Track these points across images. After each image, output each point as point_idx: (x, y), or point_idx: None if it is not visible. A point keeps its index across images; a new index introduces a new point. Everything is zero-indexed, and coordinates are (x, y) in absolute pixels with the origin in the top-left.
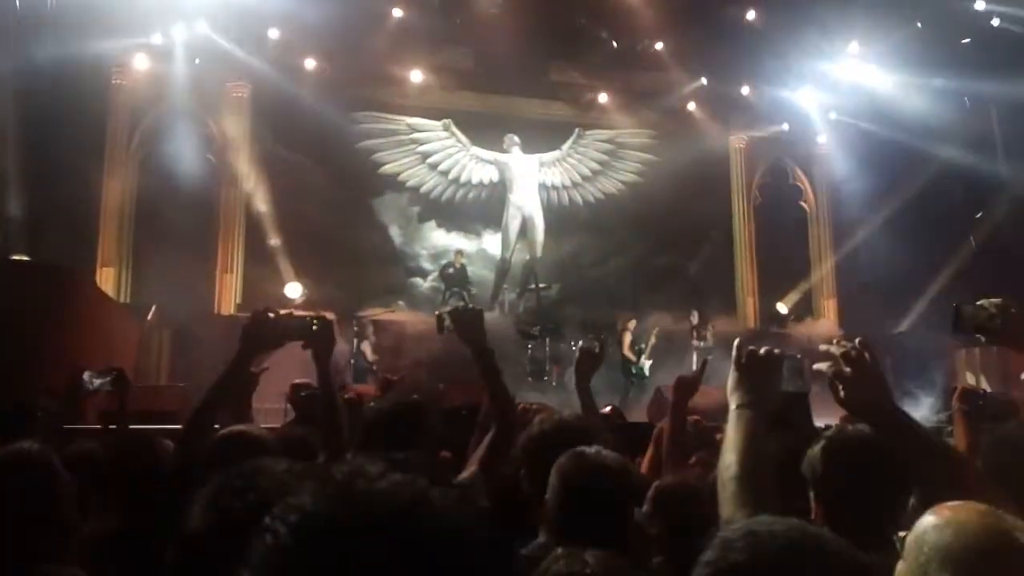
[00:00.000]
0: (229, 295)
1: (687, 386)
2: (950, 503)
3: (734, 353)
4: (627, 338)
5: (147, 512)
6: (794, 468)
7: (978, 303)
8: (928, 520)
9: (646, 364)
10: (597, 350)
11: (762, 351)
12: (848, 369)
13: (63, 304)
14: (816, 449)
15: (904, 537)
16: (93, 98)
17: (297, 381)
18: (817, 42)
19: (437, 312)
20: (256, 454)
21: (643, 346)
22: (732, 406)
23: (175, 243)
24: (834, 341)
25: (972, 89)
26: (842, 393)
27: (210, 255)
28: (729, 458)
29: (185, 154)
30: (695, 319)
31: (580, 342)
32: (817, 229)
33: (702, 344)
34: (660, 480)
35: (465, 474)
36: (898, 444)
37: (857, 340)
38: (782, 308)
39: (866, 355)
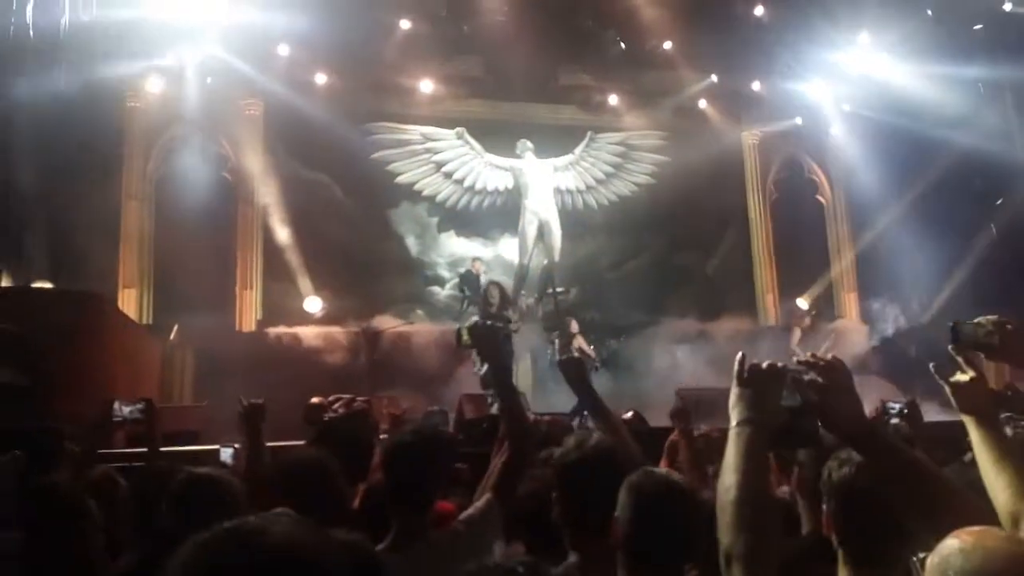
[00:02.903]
0: (250, 312)
1: (683, 416)
2: (972, 528)
3: (735, 368)
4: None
5: (167, 547)
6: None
7: (975, 320)
8: (953, 544)
9: None
10: (576, 353)
11: (764, 365)
12: (822, 380)
13: (86, 329)
14: (836, 465)
15: (924, 558)
16: (108, 121)
17: (314, 400)
18: (827, 33)
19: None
20: (222, 498)
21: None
22: (732, 423)
23: (194, 262)
24: (808, 354)
25: (986, 76)
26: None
27: (229, 272)
28: (729, 480)
29: (201, 173)
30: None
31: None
32: (835, 222)
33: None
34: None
35: (480, 503)
36: (875, 463)
37: (830, 355)
38: (803, 304)
39: (840, 370)
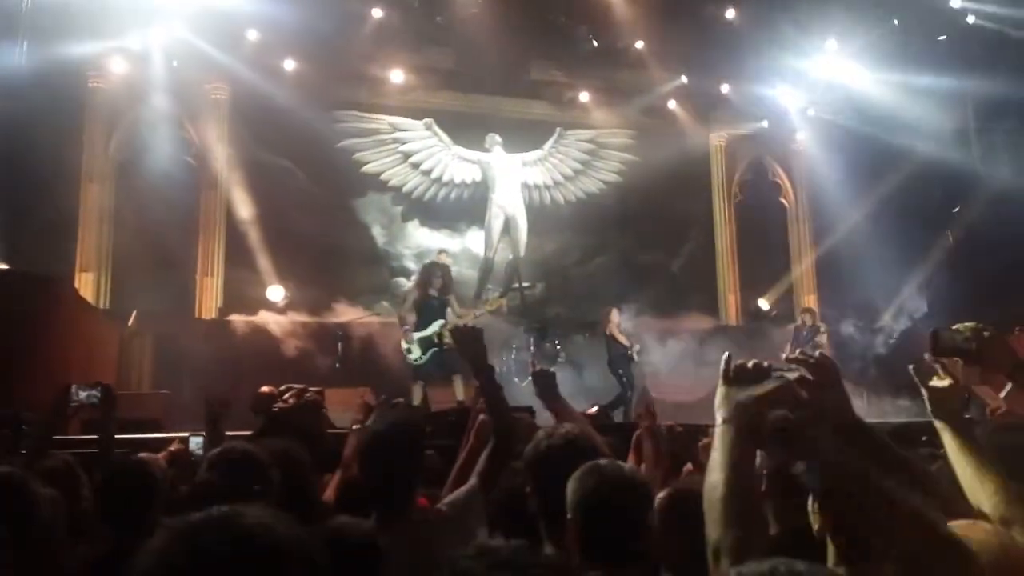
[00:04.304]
0: (210, 299)
1: (649, 415)
2: (960, 522)
3: (722, 366)
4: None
5: (139, 535)
6: (787, 483)
7: (954, 327)
8: None
9: None
10: (551, 366)
11: (750, 364)
12: (812, 379)
13: (43, 312)
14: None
15: None
16: (70, 102)
17: (264, 390)
18: (795, 39)
19: (438, 328)
20: (252, 469)
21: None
22: (718, 421)
23: (155, 247)
24: (797, 352)
25: (948, 85)
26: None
27: (190, 259)
28: (715, 477)
29: (164, 157)
30: (615, 318)
31: (535, 367)
32: (797, 225)
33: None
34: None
35: (464, 488)
36: (860, 452)
37: (818, 352)
38: (763, 304)
39: (829, 367)
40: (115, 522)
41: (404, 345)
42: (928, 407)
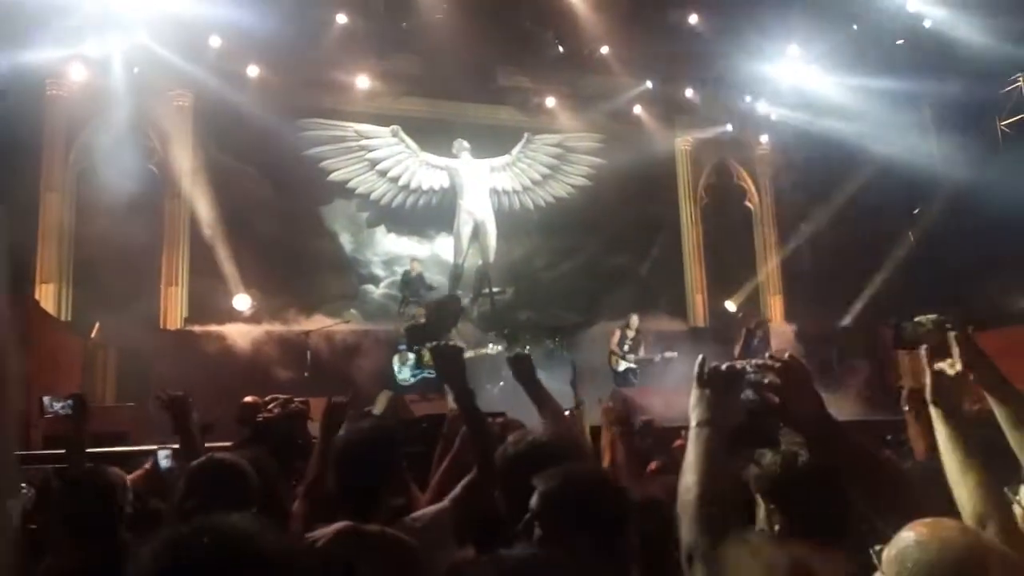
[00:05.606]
0: (175, 309)
1: (622, 418)
2: (926, 520)
3: (696, 369)
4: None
5: (104, 547)
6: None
7: (916, 320)
8: (909, 536)
9: None
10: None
11: (724, 367)
12: (781, 382)
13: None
14: (774, 464)
15: (880, 551)
16: (27, 110)
17: (248, 400)
18: (758, 45)
19: (417, 348)
20: (235, 481)
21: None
22: (692, 423)
23: (118, 257)
24: (767, 355)
25: (906, 89)
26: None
27: (154, 268)
28: (689, 479)
29: (126, 166)
30: (635, 323)
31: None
32: (762, 227)
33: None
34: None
35: (434, 507)
36: (834, 454)
37: (787, 354)
38: (730, 306)
39: (798, 369)
40: (77, 533)
41: (396, 365)
42: (928, 392)
